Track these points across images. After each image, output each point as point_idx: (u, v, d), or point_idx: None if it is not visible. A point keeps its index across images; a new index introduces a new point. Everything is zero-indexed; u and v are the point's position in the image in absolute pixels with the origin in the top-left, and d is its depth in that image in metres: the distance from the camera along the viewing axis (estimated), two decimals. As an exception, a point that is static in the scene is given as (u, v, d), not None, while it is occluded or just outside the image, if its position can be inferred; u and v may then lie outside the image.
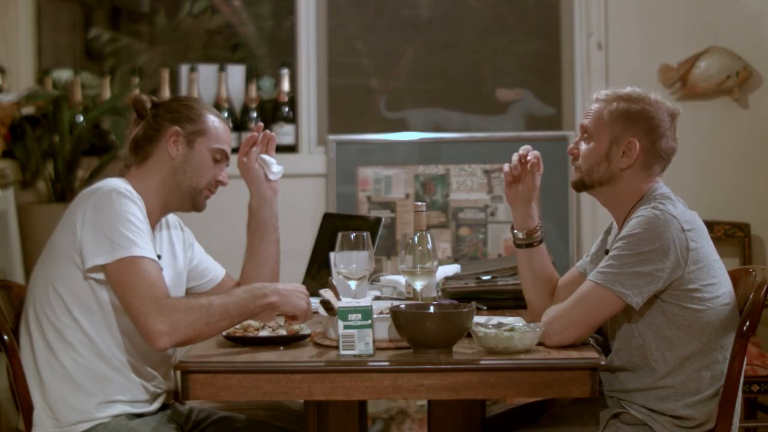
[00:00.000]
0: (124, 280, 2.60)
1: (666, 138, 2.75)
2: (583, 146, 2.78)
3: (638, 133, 2.73)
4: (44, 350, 2.68)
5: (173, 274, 2.87)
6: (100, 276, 2.65)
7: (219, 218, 4.40)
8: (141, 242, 2.63)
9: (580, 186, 2.81)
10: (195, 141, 2.83)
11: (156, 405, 2.77)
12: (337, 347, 2.50)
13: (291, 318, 2.72)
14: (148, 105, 2.85)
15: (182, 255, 2.94)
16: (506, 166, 2.89)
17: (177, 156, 2.82)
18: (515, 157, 2.89)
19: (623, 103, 2.75)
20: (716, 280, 2.67)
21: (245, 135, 4.75)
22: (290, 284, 2.73)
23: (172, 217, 2.97)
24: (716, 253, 2.71)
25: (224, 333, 2.68)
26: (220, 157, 2.87)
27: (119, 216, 2.64)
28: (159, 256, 2.80)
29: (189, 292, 3.01)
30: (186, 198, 2.84)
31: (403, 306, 2.57)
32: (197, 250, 3.04)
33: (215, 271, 3.06)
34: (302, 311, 2.69)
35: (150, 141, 2.82)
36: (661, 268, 2.59)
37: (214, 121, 2.87)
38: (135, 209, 2.68)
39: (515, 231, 2.93)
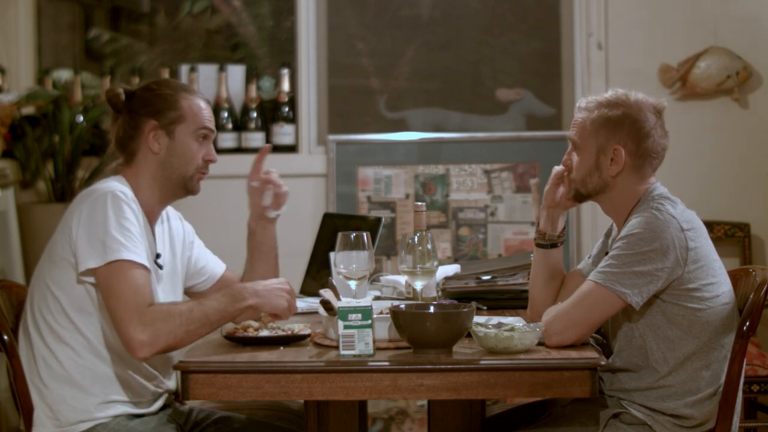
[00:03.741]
0: (110, 284, 2.59)
1: (652, 137, 2.73)
2: (574, 158, 2.79)
3: (623, 139, 2.72)
4: (43, 352, 2.67)
5: (171, 270, 2.87)
6: (93, 279, 2.64)
7: (221, 214, 4.40)
8: (132, 247, 2.61)
9: (578, 198, 2.81)
10: (174, 130, 2.78)
11: (157, 405, 2.77)
12: (337, 347, 2.50)
13: (273, 316, 2.71)
14: (123, 98, 2.80)
15: (181, 250, 2.93)
16: (557, 168, 2.86)
17: (160, 150, 2.78)
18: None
19: (603, 110, 2.74)
20: (716, 279, 2.67)
21: (245, 135, 4.79)
22: (271, 281, 2.72)
23: (172, 211, 2.96)
24: (715, 252, 2.71)
25: (224, 333, 2.68)
26: (205, 135, 2.82)
27: (113, 220, 2.62)
28: (159, 254, 2.80)
29: (188, 291, 3.01)
30: (179, 187, 2.81)
31: (403, 306, 2.57)
32: (197, 246, 3.02)
33: (214, 268, 3.05)
34: (282, 310, 2.69)
35: (132, 139, 2.79)
36: (660, 268, 2.59)
37: (191, 102, 2.81)
38: (130, 213, 2.65)
39: (545, 232, 2.91)
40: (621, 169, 2.72)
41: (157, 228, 2.85)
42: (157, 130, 2.78)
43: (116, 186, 2.71)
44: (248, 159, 4.48)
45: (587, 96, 2.82)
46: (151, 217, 2.80)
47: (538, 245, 2.92)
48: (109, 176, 2.82)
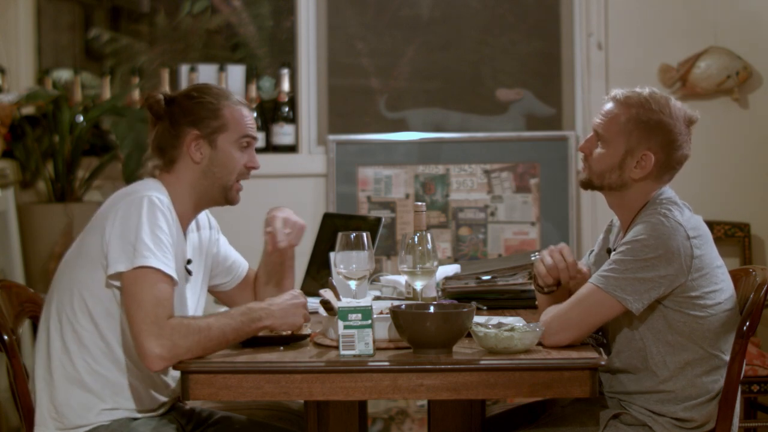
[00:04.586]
0: (134, 290, 2.54)
1: (682, 150, 2.68)
2: (597, 150, 2.70)
3: (654, 146, 2.65)
4: (60, 351, 2.65)
5: (200, 275, 2.87)
6: (120, 283, 2.62)
7: (224, 215, 4.40)
8: (161, 255, 2.57)
9: (588, 186, 2.75)
10: (217, 139, 2.74)
11: (162, 411, 2.76)
12: (337, 347, 2.50)
13: None
14: (164, 104, 2.76)
15: (207, 249, 2.92)
16: (541, 268, 2.73)
17: (202, 159, 2.74)
18: (549, 261, 2.73)
19: (642, 112, 2.65)
20: (719, 286, 2.65)
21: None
22: (284, 297, 2.67)
23: (202, 215, 2.92)
24: (719, 258, 2.68)
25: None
26: (247, 143, 2.79)
27: (146, 226, 2.58)
28: (189, 260, 2.79)
29: (214, 289, 3.01)
30: (219, 195, 2.79)
31: (403, 306, 2.57)
32: (222, 243, 3.00)
33: (240, 267, 3.04)
34: (297, 327, 2.67)
35: (173, 147, 2.75)
36: (663, 275, 2.57)
37: (232, 109, 2.76)
38: (163, 222, 2.62)
39: (542, 286, 2.79)
40: (644, 176, 2.68)
41: (190, 234, 2.83)
42: (198, 140, 2.74)
43: (154, 192, 2.66)
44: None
45: (612, 90, 2.72)
46: (185, 222, 2.77)
47: (539, 293, 2.83)
48: (146, 178, 2.79)
